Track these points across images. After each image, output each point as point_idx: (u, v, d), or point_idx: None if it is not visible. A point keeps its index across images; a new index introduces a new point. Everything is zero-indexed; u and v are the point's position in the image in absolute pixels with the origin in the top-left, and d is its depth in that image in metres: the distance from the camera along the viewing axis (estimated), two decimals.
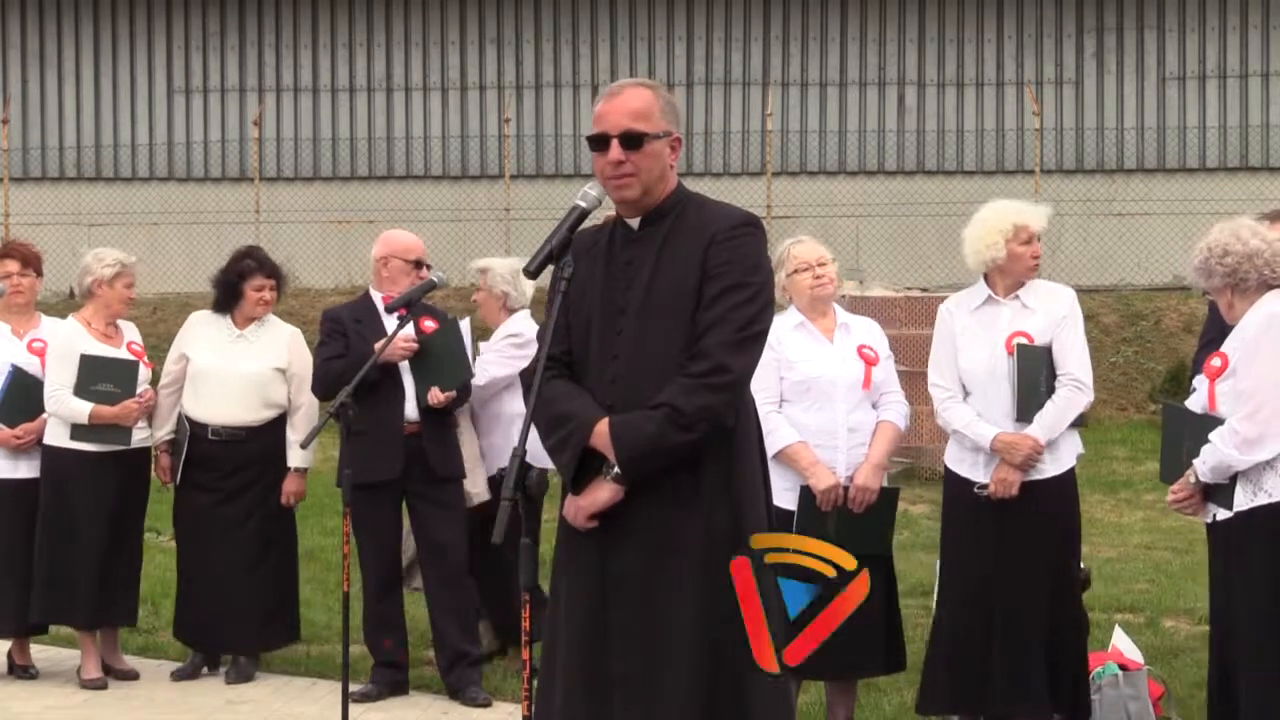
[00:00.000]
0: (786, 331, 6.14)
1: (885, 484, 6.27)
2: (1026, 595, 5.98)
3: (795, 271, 6.25)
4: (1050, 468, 6.04)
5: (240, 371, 7.61)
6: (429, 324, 7.26)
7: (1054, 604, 6.01)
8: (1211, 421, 5.28)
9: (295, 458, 7.57)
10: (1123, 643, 6.67)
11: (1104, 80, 20.87)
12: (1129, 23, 20.93)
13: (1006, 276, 6.18)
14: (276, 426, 7.66)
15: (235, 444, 7.60)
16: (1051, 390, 6.05)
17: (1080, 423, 6.20)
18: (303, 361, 7.69)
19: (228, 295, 7.77)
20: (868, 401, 6.24)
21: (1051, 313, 6.11)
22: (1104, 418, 16.66)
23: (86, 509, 7.53)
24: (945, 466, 6.28)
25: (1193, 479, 5.29)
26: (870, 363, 6.24)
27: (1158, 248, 19.92)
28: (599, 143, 4.24)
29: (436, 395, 7.13)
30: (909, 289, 15.55)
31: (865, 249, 19.64)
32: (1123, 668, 6.37)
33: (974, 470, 6.10)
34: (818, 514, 6.08)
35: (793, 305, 6.31)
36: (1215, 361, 5.36)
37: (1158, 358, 17.28)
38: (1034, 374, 6.05)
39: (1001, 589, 6.00)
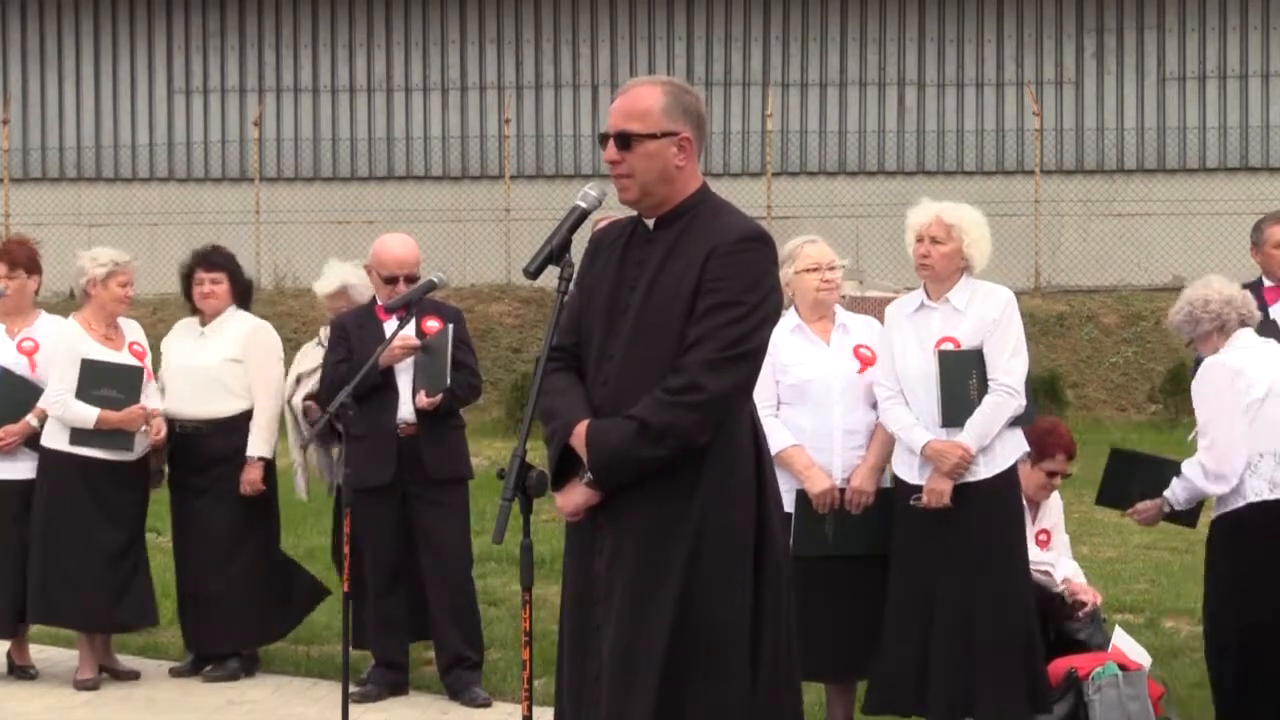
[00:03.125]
0: (783, 335, 6.03)
1: (889, 484, 6.26)
2: (965, 598, 5.90)
3: (805, 270, 6.20)
4: (983, 469, 5.95)
5: (197, 365, 7.66)
6: (432, 324, 7.25)
7: (997, 607, 5.91)
8: (1159, 461, 6.29)
9: (253, 446, 7.59)
10: (1125, 642, 6.66)
11: (1104, 80, 20.88)
12: (1129, 23, 20.94)
13: (923, 278, 6.15)
14: (246, 421, 7.65)
15: (200, 438, 7.64)
16: (984, 394, 5.96)
17: (1026, 421, 6.16)
18: (261, 351, 7.71)
19: (187, 298, 7.92)
20: (865, 403, 6.19)
21: (982, 316, 6.00)
22: (1104, 418, 16.68)
23: (84, 513, 7.51)
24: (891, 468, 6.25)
25: (1166, 509, 6.14)
26: (867, 362, 6.20)
27: (1158, 248, 19.93)
28: (604, 141, 4.27)
29: (423, 399, 7.14)
30: (909, 289, 15.53)
31: (865, 249, 19.63)
32: (1123, 668, 6.36)
33: (910, 472, 6.04)
34: (815, 517, 6.07)
35: (793, 307, 6.27)
36: None
37: (1158, 358, 17.29)
38: (959, 380, 5.96)
39: (941, 592, 5.94)
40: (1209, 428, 5.97)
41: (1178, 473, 6.08)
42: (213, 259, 7.82)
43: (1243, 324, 6.14)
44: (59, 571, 7.51)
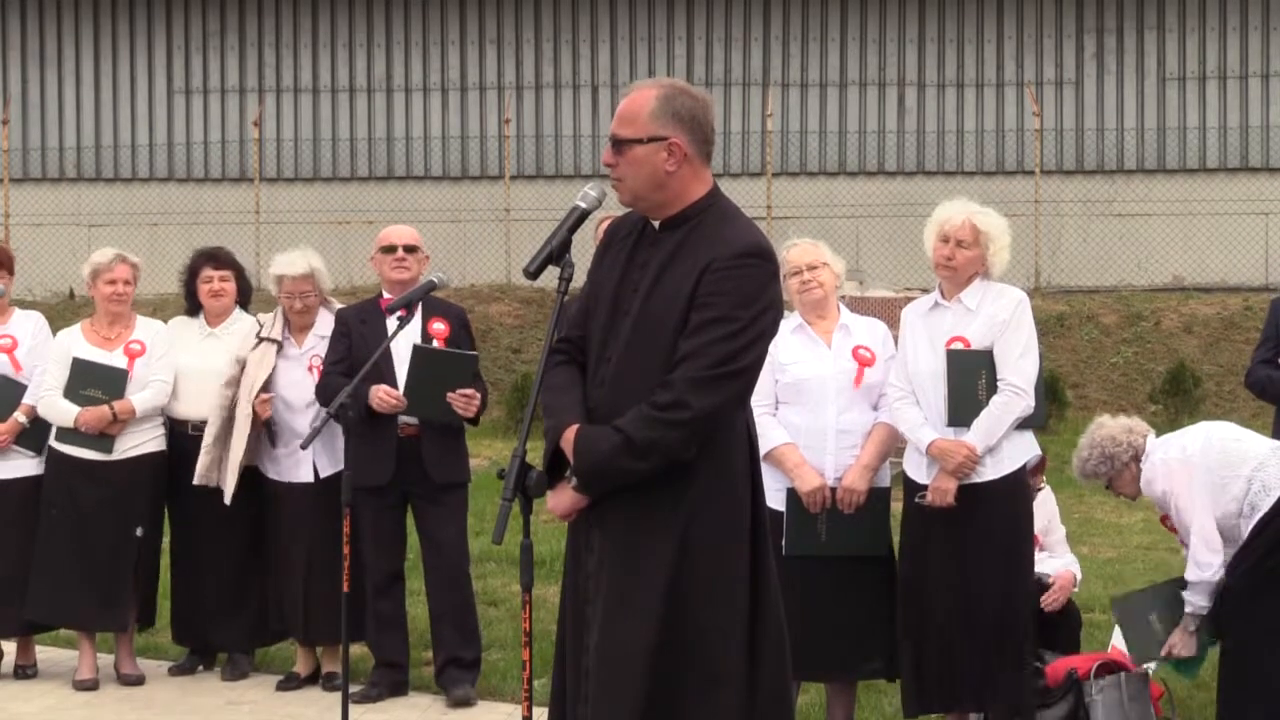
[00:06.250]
0: (784, 334, 6.05)
1: (885, 484, 6.26)
2: (969, 599, 5.90)
3: (787, 274, 6.23)
4: (990, 471, 5.94)
5: (212, 367, 7.60)
6: (438, 326, 7.24)
7: (999, 608, 5.92)
8: (1163, 587, 6.25)
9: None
10: (1123, 643, 6.65)
11: (1104, 80, 20.88)
12: (1129, 23, 20.94)
13: (941, 277, 6.14)
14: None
15: None
16: (993, 395, 5.95)
17: (1036, 423, 6.15)
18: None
19: (190, 297, 7.91)
20: (863, 403, 6.20)
21: (993, 316, 5.99)
22: None
23: (66, 511, 7.50)
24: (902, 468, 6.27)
25: (1191, 626, 6.07)
26: (864, 363, 6.20)
27: (1158, 248, 19.93)
28: None
29: (463, 402, 7.10)
30: (909, 289, 15.54)
31: (865, 249, 19.65)
32: (1123, 668, 6.36)
33: (918, 472, 6.05)
34: (806, 516, 6.07)
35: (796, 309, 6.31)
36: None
37: (1157, 358, 17.28)
38: (967, 379, 5.96)
39: (946, 592, 5.94)
40: (1178, 523, 6.04)
41: (1183, 585, 6.06)
42: (220, 257, 7.89)
43: (1146, 440, 6.22)
44: (35, 570, 7.53)
